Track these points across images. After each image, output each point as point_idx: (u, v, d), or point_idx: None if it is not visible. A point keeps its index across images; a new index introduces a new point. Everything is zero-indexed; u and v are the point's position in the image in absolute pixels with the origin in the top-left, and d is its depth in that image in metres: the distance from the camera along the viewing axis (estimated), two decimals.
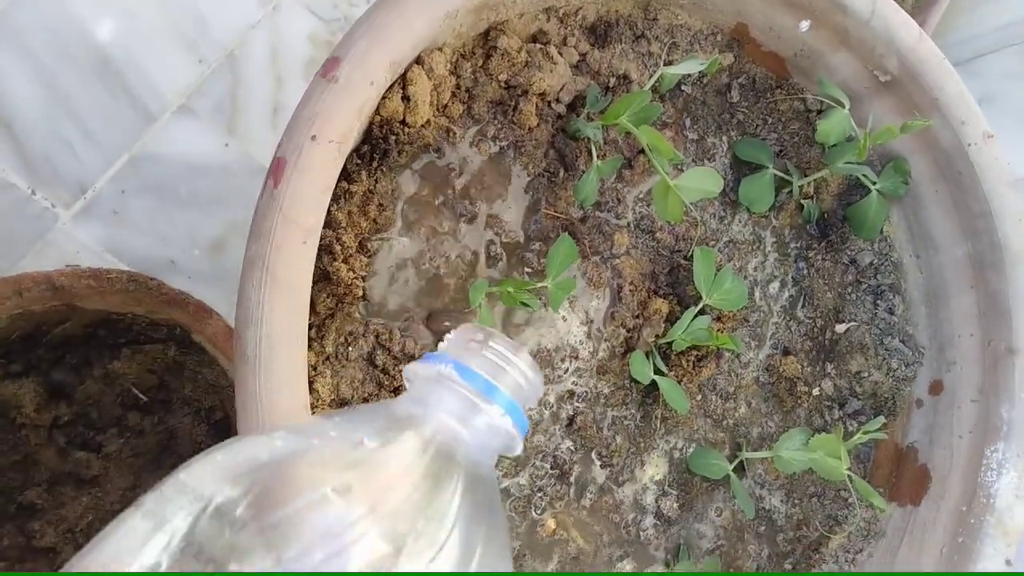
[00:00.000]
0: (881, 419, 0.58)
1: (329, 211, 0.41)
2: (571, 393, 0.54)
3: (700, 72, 0.61)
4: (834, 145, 0.62)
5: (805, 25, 0.58)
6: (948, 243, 0.61)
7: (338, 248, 0.41)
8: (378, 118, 0.45)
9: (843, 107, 0.57)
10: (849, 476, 0.53)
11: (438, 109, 0.49)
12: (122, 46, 0.87)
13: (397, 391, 0.46)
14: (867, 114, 0.61)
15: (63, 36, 0.85)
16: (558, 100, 0.54)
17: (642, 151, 0.58)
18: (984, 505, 0.55)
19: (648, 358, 0.55)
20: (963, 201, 0.59)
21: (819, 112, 0.63)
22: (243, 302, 0.38)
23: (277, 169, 0.39)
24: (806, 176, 0.62)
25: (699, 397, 0.59)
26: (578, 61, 0.56)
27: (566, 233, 0.50)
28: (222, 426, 0.70)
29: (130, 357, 0.66)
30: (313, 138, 0.39)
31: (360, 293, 0.43)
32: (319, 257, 0.41)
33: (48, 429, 0.67)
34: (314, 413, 0.40)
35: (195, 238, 0.87)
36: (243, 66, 0.91)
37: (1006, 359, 0.57)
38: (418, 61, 0.46)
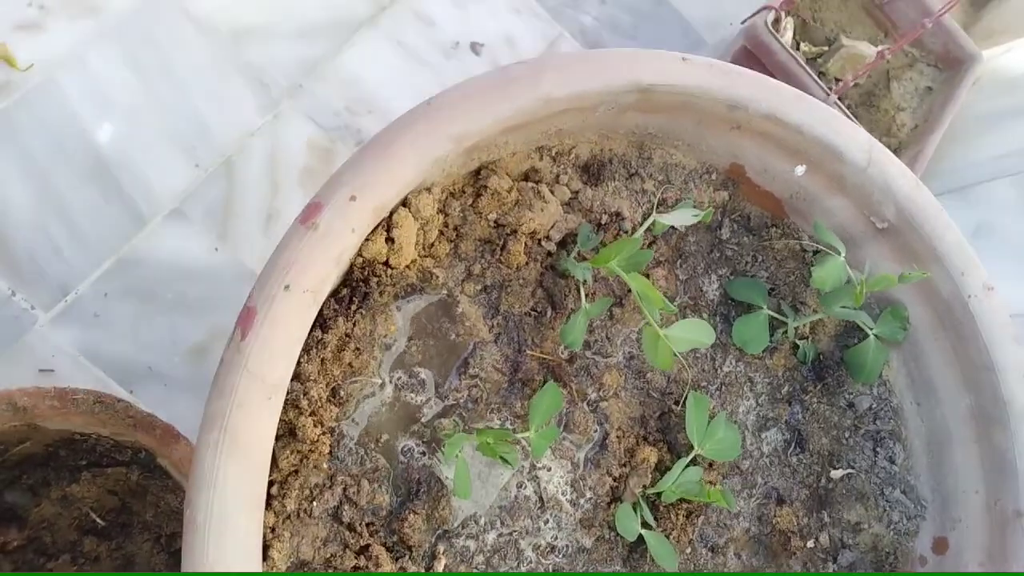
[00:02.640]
0: None
1: (299, 362, 0.39)
2: (551, 547, 0.50)
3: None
4: (830, 291, 0.60)
5: (801, 170, 0.57)
6: (950, 393, 0.59)
7: (305, 403, 0.39)
8: (360, 260, 0.44)
9: (839, 254, 0.56)
10: None
11: (424, 248, 0.48)
12: (119, 148, 0.87)
13: (364, 552, 0.43)
14: (864, 258, 0.59)
15: (61, 136, 0.85)
16: (548, 238, 0.53)
17: None
18: None
19: (635, 510, 0.52)
20: (964, 352, 0.57)
21: (815, 253, 0.62)
22: (198, 464, 0.35)
23: (246, 319, 0.37)
24: (801, 317, 0.60)
25: (688, 551, 0.55)
26: (570, 199, 0.55)
27: (552, 382, 0.47)
28: (181, 556, 0.66)
29: (91, 480, 0.63)
30: (286, 288, 0.37)
31: (327, 450, 0.40)
32: (285, 410, 0.39)
33: None
34: None
35: (176, 343, 0.85)
36: (240, 172, 0.91)
37: (1014, 523, 0.54)
38: (404, 203, 0.45)
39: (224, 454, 0.34)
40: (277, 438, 0.38)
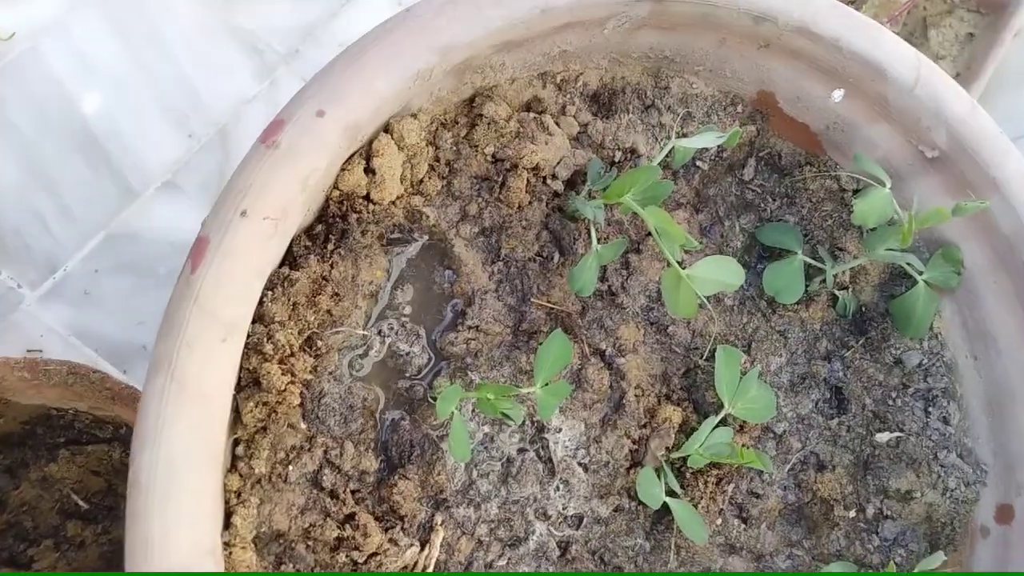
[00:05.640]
0: (940, 555, 0.48)
1: (262, 302, 0.34)
2: (563, 517, 0.45)
3: (719, 146, 0.54)
4: (873, 229, 0.54)
5: (838, 95, 0.51)
6: (1012, 343, 0.52)
7: (270, 348, 0.34)
8: (336, 193, 0.39)
9: (884, 186, 0.50)
10: None
11: (412, 184, 0.42)
12: (108, 119, 0.83)
13: (349, 520, 0.38)
14: (911, 194, 0.53)
15: (46, 107, 0.81)
16: (554, 176, 0.47)
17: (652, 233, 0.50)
18: None
19: (659, 476, 0.46)
20: None
21: (855, 192, 0.55)
22: (142, 417, 0.30)
23: (197, 251, 0.32)
24: (841, 263, 0.54)
25: (719, 522, 0.49)
26: (578, 133, 0.49)
27: (559, 329, 0.42)
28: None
29: (69, 459, 0.58)
30: (243, 213, 0.32)
31: (296, 401, 0.35)
32: (247, 357, 0.33)
33: None
34: (228, 555, 0.32)
35: None
36: (235, 142, 0.87)
37: None
38: (386, 129, 0.40)
39: (171, 403, 0.29)
40: (240, 388, 0.33)
